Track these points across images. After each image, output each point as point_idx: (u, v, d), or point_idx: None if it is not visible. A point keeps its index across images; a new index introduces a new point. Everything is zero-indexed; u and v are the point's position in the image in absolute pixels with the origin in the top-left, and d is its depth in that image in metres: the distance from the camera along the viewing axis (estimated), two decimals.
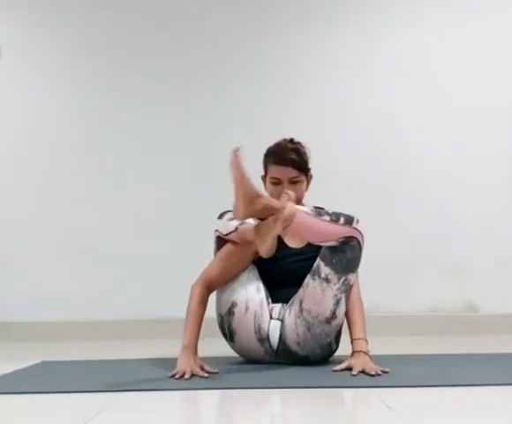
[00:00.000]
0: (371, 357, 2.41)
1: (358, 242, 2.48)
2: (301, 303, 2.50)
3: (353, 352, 2.44)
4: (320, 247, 2.51)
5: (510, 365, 2.59)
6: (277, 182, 2.66)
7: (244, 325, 2.53)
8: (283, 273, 2.60)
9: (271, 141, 2.75)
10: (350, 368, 2.34)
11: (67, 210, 4.11)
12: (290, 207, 2.37)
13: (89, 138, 4.17)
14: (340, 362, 2.41)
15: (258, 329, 2.52)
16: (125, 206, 4.10)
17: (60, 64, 4.22)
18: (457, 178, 4.07)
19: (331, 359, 2.62)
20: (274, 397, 2.06)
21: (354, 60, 4.16)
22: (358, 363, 2.34)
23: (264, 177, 2.77)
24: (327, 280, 2.46)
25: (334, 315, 2.49)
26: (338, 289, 2.47)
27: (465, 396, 2.00)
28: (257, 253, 2.48)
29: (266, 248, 2.36)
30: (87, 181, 4.14)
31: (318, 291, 2.46)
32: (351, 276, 2.49)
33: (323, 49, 4.17)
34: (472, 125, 4.10)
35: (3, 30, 4.22)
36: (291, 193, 2.46)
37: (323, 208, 2.73)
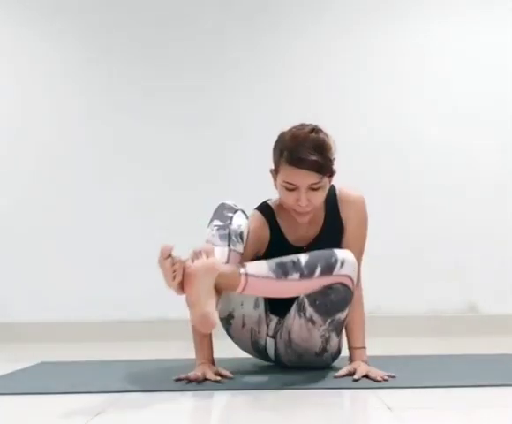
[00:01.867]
0: (368, 363, 2.31)
1: (345, 284, 2.16)
2: (289, 333, 2.32)
3: (352, 361, 2.32)
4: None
5: (511, 366, 2.59)
6: (293, 188, 2.20)
7: (241, 338, 2.47)
8: None
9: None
10: (351, 374, 2.23)
11: (67, 211, 4.10)
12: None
13: (86, 138, 4.15)
14: (341, 368, 2.30)
15: (254, 343, 2.46)
16: (125, 206, 4.09)
17: (58, 59, 4.22)
18: (458, 178, 4.06)
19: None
20: (274, 398, 2.05)
21: (357, 58, 4.16)
22: (360, 369, 2.22)
23: (274, 172, 2.29)
24: (312, 321, 2.22)
25: (324, 350, 2.32)
26: (325, 329, 2.24)
27: (466, 397, 1.99)
28: (253, 259, 2.30)
29: (196, 320, 2.00)
30: (87, 182, 4.13)
31: (304, 330, 2.25)
32: (341, 315, 2.22)
33: (324, 46, 4.17)
34: (473, 126, 4.09)
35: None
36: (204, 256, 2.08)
37: None
